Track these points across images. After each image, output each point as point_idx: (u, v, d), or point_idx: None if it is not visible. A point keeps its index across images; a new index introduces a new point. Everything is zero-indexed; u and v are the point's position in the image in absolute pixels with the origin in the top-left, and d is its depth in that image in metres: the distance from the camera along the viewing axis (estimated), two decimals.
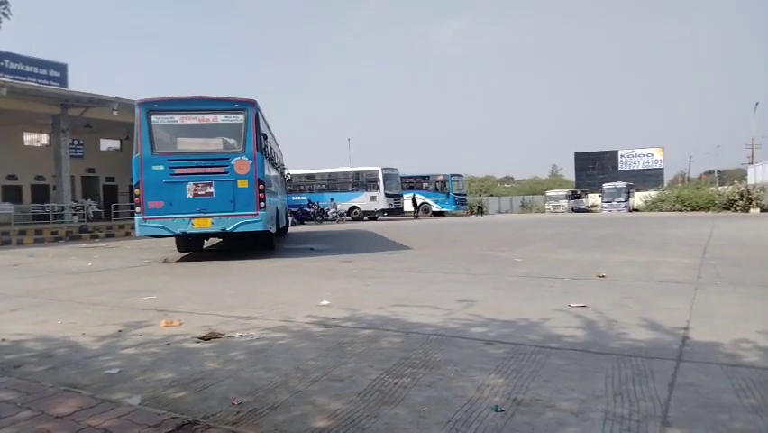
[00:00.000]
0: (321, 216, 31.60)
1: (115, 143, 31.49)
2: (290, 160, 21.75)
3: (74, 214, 23.20)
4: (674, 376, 3.36)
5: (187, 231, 10.98)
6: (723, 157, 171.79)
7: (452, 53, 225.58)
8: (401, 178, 37.85)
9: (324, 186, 35.72)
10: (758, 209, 36.24)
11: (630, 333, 4.44)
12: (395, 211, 35.43)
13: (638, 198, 46.79)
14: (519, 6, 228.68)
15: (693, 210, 39.49)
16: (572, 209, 47.46)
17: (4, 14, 7.34)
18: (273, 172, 14.01)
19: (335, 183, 35.58)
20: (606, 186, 47.40)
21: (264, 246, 13.11)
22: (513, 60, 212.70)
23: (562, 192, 51.93)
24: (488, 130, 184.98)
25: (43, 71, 28.75)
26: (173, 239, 13.29)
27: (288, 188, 25.69)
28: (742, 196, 37.57)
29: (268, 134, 13.57)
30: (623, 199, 45.22)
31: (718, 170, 71.97)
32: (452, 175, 41.53)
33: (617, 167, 59.64)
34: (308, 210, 31.27)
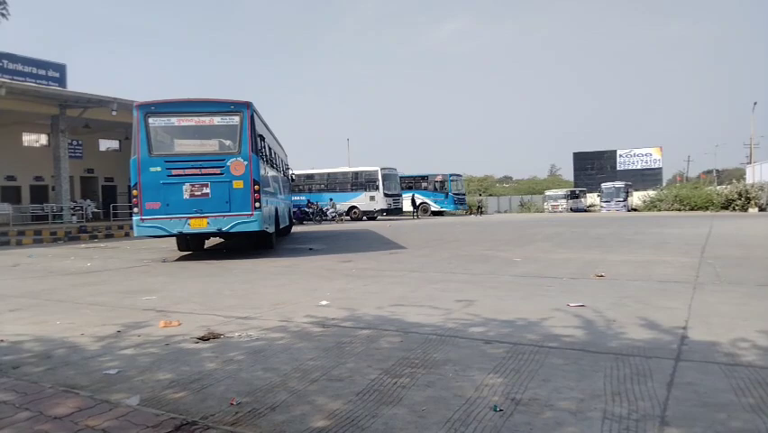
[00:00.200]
0: (320, 216, 31.59)
1: (114, 144, 31.46)
2: (289, 160, 21.68)
3: (73, 214, 23.18)
4: (673, 375, 3.37)
5: (184, 231, 11.18)
6: (721, 156, 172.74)
7: (450, 53, 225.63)
8: (400, 178, 37.83)
9: (323, 186, 35.70)
10: (756, 209, 36.30)
11: (629, 332, 4.44)
12: (394, 211, 35.41)
13: (637, 198, 46.79)
14: (518, 6, 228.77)
15: (692, 210, 39.51)
16: (571, 209, 47.44)
17: (2, 15, 7.33)
18: (271, 173, 14.03)
19: (334, 183, 35.55)
20: (604, 186, 47.41)
21: (264, 246, 13.21)
22: (511, 60, 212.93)
23: (561, 192, 51.90)
24: (486, 130, 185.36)
25: (42, 72, 28.71)
26: (173, 239, 13.52)
27: None
28: (740, 195, 37.61)
29: (266, 135, 13.65)
30: (621, 199, 45.23)
31: (717, 170, 72.21)
32: (451, 175, 41.51)
33: (615, 167, 59.64)
34: (307, 210, 31.25)
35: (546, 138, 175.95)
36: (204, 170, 11.05)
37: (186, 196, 10.98)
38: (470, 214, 43.58)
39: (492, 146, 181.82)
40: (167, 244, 15.47)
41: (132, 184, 11.10)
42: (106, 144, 31.41)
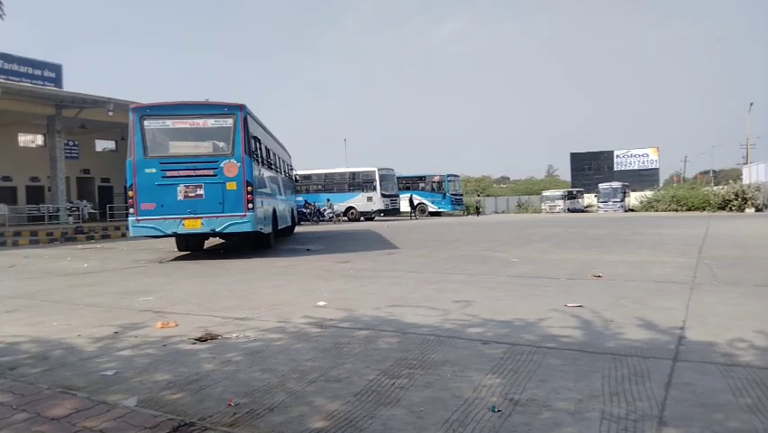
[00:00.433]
0: (317, 216, 31.56)
1: (111, 144, 31.39)
2: (291, 161, 21.67)
3: (69, 215, 23.12)
4: (670, 376, 3.37)
5: (178, 231, 11.42)
6: (718, 157, 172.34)
7: (449, 53, 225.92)
8: (397, 178, 37.83)
9: (320, 186, 35.65)
10: (753, 209, 36.40)
11: (626, 333, 4.45)
12: (391, 212, 35.38)
13: (634, 198, 46.91)
14: (517, 7, 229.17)
15: (689, 210, 39.61)
16: (568, 209, 47.56)
17: None
18: (268, 174, 14.08)
19: (332, 184, 35.52)
20: (602, 186, 47.52)
21: (262, 246, 13.30)
22: (510, 60, 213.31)
23: (559, 192, 52.00)
24: (484, 130, 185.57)
25: (38, 72, 28.63)
26: (171, 240, 13.80)
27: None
28: (737, 196, 37.72)
29: (263, 137, 13.76)
30: (619, 199, 45.34)
31: (714, 170, 72.38)
32: (449, 175, 41.53)
33: (612, 167, 59.77)
34: (305, 211, 31.22)
35: (544, 138, 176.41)
36: (198, 172, 11.26)
37: (180, 197, 11.18)
38: (469, 214, 43.61)
39: (490, 146, 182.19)
40: (164, 244, 15.45)
41: (128, 185, 11.34)
42: (103, 145, 31.35)
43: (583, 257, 10.26)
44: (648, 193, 46.10)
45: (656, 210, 41.55)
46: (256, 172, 11.92)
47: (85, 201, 27.09)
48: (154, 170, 11.11)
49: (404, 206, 37.42)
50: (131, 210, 11.22)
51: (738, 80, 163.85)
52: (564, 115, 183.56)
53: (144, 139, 11.23)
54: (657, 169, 59.37)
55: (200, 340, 4.50)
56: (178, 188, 11.18)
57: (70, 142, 27.90)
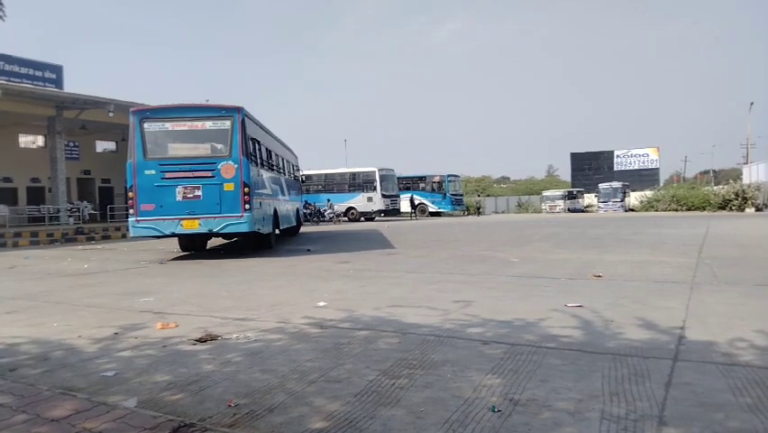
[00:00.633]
0: (317, 217, 31.55)
1: (111, 145, 31.40)
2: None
3: (70, 216, 23.12)
4: (670, 376, 3.37)
5: (176, 232, 11.66)
6: (718, 157, 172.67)
7: (448, 53, 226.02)
8: (398, 178, 37.82)
9: (320, 187, 35.63)
10: (753, 209, 36.38)
11: (626, 332, 4.45)
12: (392, 212, 35.36)
13: (634, 198, 46.88)
14: (516, 6, 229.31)
15: (689, 210, 39.59)
16: (568, 209, 47.54)
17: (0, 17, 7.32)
18: (268, 175, 14.16)
19: (332, 184, 35.49)
20: (602, 186, 47.51)
21: (263, 246, 13.45)
22: (510, 60, 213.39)
23: (559, 192, 51.99)
24: (484, 130, 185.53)
25: (39, 73, 28.68)
26: (173, 241, 14.05)
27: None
28: (737, 195, 37.71)
29: (262, 139, 13.92)
30: (619, 199, 45.34)
31: (714, 170, 72.38)
32: (449, 175, 41.52)
33: (612, 167, 59.77)
34: (305, 211, 31.22)
35: (544, 138, 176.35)
36: (196, 173, 11.46)
37: (179, 198, 11.39)
38: (469, 214, 43.61)
39: (490, 146, 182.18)
40: (164, 245, 15.46)
41: (128, 186, 11.57)
42: (103, 146, 31.35)
43: (583, 257, 10.26)
44: (648, 193, 46.09)
45: (656, 210, 41.54)
46: (254, 174, 12.05)
47: (85, 202, 27.10)
48: (153, 172, 11.33)
49: (404, 206, 37.40)
50: (131, 211, 11.46)
51: (738, 80, 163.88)
52: (564, 115, 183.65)
53: (144, 141, 11.44)
54: (657, 169, 59.40)
55: (200, 341, 4.50)
56: (177, 190, 11.38)
57: (71, 143, 27.90)
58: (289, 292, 7.05)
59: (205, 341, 4.49)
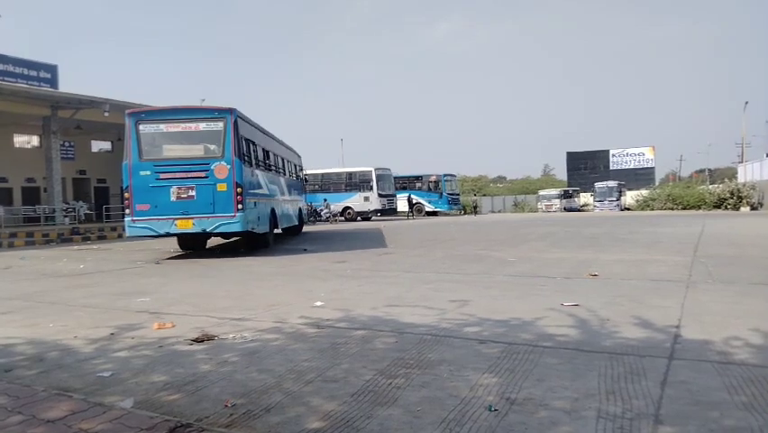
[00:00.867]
0: (314, 216, 31.52)
1: (107, 145, 31.27)
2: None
3: (65, 216, 23.03)
4: (666, 374, 3.39)
5: (171, 231, 11.84)
6: (714, 156, 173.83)
7: (444, 53, 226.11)
8: (394, 178, 37.82)
9: (317, 186, 35.54)
10: (748, 207, 36.54)
11: (622, 331, 4.46)
12: (388, 211, 35.36)
13: (630, 197, 47.02)
14: (512, 6, 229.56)
15: (684, 209, 39.74)
16: (565, 208, 47.59)
17: None
18: (264, 175, 14.22)
19: (328, 184, 35.45)
20: (598, 185, 47.61)
21: (261, 245, 13.57)
22: (507, 60, 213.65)
23: (555, 191, 52.05)
24: (481, 130, 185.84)
25: (33, 73, 28.53)
26: (170, 240, 14.23)
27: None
28: (732, 194, 37.87)
29: (258, 139, 14.04)
30: (615, 198, 45.43)
31: (709, 169, 72.63)
32: (446, 175, 41.53)
33: (608, 166, 59.89)
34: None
35: (540, 138, 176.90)
36: (189, 174, 11.64)
37: (173, 198, 11.58)
38: (466, 214, 43.64)
39: (486, 146, 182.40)
40: (160, 245, 15.43)
41: (124, 186, 11.82)
42: (99, 146, 31.22)
43: (579, 256, 10.29)
44: (644, 192, 46.23)
45: (652, 209, 41.67)
46: (247, 174, 12.17)
47: (81, 202, 27.00)
48: (148, 173, 11.57)
49: (401, 206, 37.41)
50: (127, 211, 11.72)
51: (734, 79, 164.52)
52: (561, 115, 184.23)
53: (139, 142, 11.71)
54: (653, 168, 59.55)
55: (197, 341, 4.49)
56: (171, 190, 11.57)
57: (66, 143, 27.77)
58: (286, 292, 7.04)
59: (202, 341, 4.49)
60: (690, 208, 39.50)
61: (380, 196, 33.96)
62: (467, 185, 68.65)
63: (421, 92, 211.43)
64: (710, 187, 43.81)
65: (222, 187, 11.55)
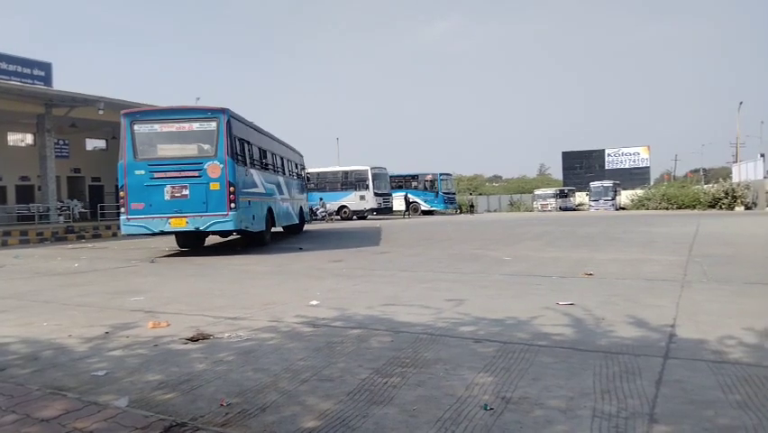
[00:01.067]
0: (310, 215, 31.47)
1: (101, 143, 31.15)
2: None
3: (60, 214, 22.91)
4: (661, 373, 3.40)
5: (165, 230, 12.00)
6: (708, 156, 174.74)
7: (440, 52, 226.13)
8: (390, 177, 37.82)
9: (312, 185, 35.51)
10: (743, 207, 36.71)
11: (617, 330, 4.48)
12: (384, 210, 35.35)
13: (625, 197, 47.18)
14: (508, 6, 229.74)
15: (679, 208, 39.90)
16: (560, 208, 47.71)
17: None
18: (260, 174, 14.23)
19: (324, 182, 35.39)
20: (593, 185, 47.73)
21: (257, 244, 13.68)
22: (502, 60, 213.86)
23: (550, 191, 52.14)
24: (476, 129, 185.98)
25: (27, 70, 28.36)
26: (165, 239, 14.38)
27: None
28: (727, 194, 38.04)
29: (253, 139, 14.10)
30: (610, 198, 45.57)
31: (704, 169, 72.91)
32: (441, 174, 41.56)
33: (603, 166, 60.05)
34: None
35: (536, 137, 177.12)
36: (183, 173, 11.81)
37: (167, 197, 11.74)
38: (462, 213, 43.69)
39: (482, 145, 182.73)
40: (155, 243, 15.38)
41: (119, 185, 12.01)
42: (93, 144, 31.09)
43: (575, 255, 10.31)
44: (639, 192, 46.40)
45: (647, 209, 41.83)
46: (240, 173, 12.26)
47: (75, 200, 26.86)
48: (143, 172, 11.73)
49: (397, 204, 37.41)
50: (122, 210, 11.90)
51: (728, 80, 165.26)
52: (556, 115, 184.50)
53: (134, 142, 11.88)
54: (648, 167, 59.75)
55: (192, 340, 4.47)
56: (166, 189, 11.72)
57: (60, 141, 27.64)
58: (282, 291, 7.03)
59: (197, 340, 4.47)
60: (685, 208, 39.66)
61: (376, 195, 33.96)
62: (463, 184, 68.65)
63: (417, 91, 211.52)
64: (705, 186, 43.98)
65: (215, 186, 11.66)
